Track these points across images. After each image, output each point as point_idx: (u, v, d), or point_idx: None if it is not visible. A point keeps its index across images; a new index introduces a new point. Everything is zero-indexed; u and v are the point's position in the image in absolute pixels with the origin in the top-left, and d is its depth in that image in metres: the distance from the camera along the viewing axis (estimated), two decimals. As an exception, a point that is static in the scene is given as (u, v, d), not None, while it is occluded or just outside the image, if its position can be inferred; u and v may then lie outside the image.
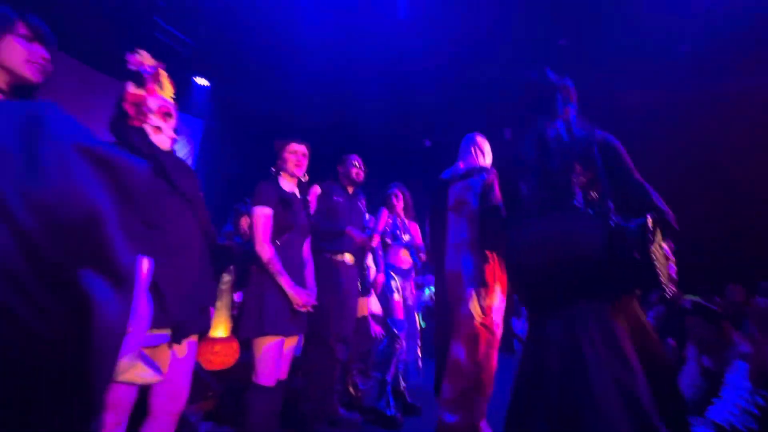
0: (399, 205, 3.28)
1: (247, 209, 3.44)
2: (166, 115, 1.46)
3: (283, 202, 1.99)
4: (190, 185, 1.49)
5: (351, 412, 2.69)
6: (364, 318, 3.19)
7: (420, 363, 3.28)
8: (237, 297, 1.82)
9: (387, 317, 2.83)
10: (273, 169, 2.12)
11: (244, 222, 3.58)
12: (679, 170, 4.99)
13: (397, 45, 4.78)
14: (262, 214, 1.93)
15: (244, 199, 3.51)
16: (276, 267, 1.88)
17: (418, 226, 3.39)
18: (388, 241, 3.18)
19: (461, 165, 2.32)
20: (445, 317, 2.13)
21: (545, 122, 1.56)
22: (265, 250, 1.89)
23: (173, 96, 1.53)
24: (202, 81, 4.94)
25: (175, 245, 1.38)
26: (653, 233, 1.20)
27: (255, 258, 1.90)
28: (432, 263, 2.53)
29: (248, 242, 2.24)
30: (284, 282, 1.88)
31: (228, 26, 4.52)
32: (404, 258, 3.24)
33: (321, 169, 2.55)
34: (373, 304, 3.39)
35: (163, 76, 1.50)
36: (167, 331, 1.36)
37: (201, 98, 4.99)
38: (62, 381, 0.71)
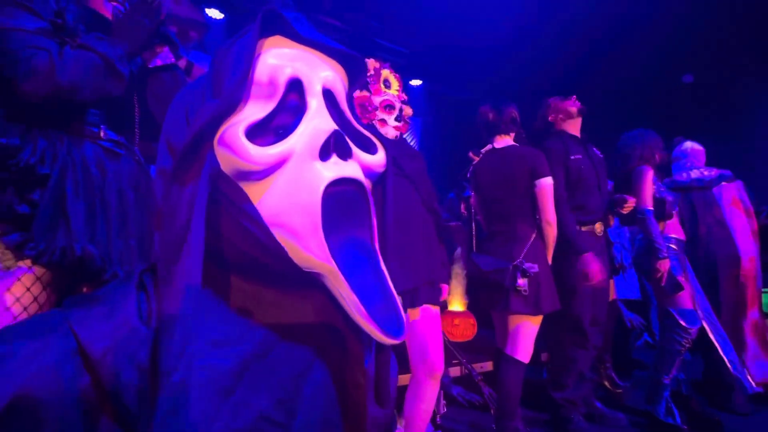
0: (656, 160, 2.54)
1: (462, 196, 3.49)
2: (388, 108, 1.59)
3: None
4: (414, 168, 1.60)
5: (613, 410, 2.30)
6: (614, 302, 2.70)
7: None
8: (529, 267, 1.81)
9: (669, 306, 2.22)
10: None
11: (463, 207, 3.65)
12: None
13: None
14: (551, 184, 1.90)
15: (462, 184, 3.56)
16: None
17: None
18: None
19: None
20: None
21: None
22: (556, 222, 1.88)
23: (398, 88, 1.66)
24: (415, 82, 5.42)
25: (402, 221, 1.46)
26: None
27: (541, 231, 1.90)
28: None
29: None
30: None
31: (435, 31, 4.77)
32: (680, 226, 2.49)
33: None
34: (621, 288, 2.84)
35: (387, 74, 1.64)
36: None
37: (416, 98, 5.44)
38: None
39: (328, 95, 0.49)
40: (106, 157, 1.06)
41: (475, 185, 2.11)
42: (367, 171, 0.50)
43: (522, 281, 1.79)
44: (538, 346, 1.96)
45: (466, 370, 2.47)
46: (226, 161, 0.43)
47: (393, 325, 0.43)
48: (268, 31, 0.48)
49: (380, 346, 0.53)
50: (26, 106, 0.95)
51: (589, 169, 2.18)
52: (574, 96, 2.25)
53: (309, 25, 0.51)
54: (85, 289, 1.05)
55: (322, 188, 0.43)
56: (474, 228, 2.51)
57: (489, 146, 2.04)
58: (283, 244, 0.43)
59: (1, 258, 0.90)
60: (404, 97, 1.67)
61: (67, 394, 0.35)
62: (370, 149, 0.52)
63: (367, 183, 0.48)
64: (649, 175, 2.26)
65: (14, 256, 0.90)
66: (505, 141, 2.00)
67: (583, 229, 2.13)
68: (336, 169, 0.44)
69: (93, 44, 0.99)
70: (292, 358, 0.45)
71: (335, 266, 0.42)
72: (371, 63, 1.62)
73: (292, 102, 0.47)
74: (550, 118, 2.28)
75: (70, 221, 0.94)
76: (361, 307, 0.42)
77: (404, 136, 1.75)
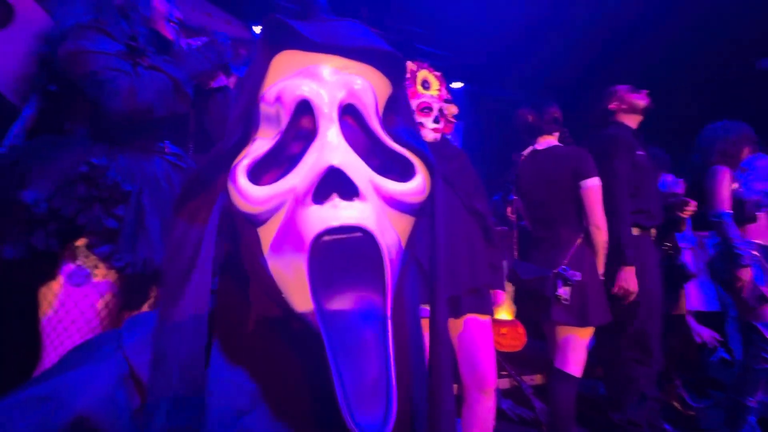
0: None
1: (507, 199, 3.35)
2: (425, 110, 1.52)
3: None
4: (452, 168, 1.52)
5: (683, 433, 2.07)
6: (682, 317, 2.44)
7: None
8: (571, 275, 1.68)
9: (753, 320, 1.97)
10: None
11: (509, 211, 3.52)
12: None
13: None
14: (599, 185, 1.75)
15: (508, 186, 3.44)
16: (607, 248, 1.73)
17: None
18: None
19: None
20: None
21: None
22: (606, 226, 1.73)
23: (439, 88, 1.57)
24: (456, 84, 5.32)
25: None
26: None
27: (589, 237, 1.76)
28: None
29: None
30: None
31: (476, 32, 4.68)
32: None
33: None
34: (693, 299, 2.56)
35: (426, 74, 1.57)
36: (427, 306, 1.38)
37: (458, 100, 5.34)
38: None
39: (351, 111, 0.41)
40: (172, 170, 1.14)
41: (518, 189, 2.00)
42: (397, 204, 0.41)
43: (563, 290, 1.66)
44: (593, 358, 1.81)
45: (516, 383, 2.34)
46: (232, 199, 0.40)
47: (372, 418, 0.33)
48: (279, 44, 0.42)
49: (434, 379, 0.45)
50: (108, 126, 1.03)
51: (650, 169, 2.01)
52: (646, 91, 2.06)
53: (331, 25, 0.43)
54: (152, 294, 1.13)
55: (309, 239, 0.35)
56: (517, 233, 2.38)
57: (530, 148, 1.93)
58: (282, 293, 0.38)
59: (94, 268, 0.98)
60: (446, 96, 1.59)
61: (122, 416, 0.37)
62: (407, 173, 0.42)
63: (378, 228, 0.37)
64: (725, 174, 2.03)
65: (104, 266, 0.98)
66: (548, 142, 1.88)
67: (642, 233, 1.96)
68: (332, 213, 0.36)
69: (163, 66, 1.07)
70: (285, 411, 0.40)
71: (322, 330, 0.35)
72: (408, 65, 1.58)
73: (304, 127, 0.40)
74: (610, 107, 2.08)
75: (150, 234, 1.01)
76: (339, 386, 0.33)
77: (447, 136, 1.66)
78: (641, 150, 1.98)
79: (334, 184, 0.37)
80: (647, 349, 1.92)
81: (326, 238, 0.36)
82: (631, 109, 2.05)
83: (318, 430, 0.40)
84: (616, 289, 1.80)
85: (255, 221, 0.39)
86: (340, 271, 0.37)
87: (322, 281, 0.36)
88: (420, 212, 0.44)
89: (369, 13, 4.01)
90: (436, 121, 1.53)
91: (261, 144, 0.41)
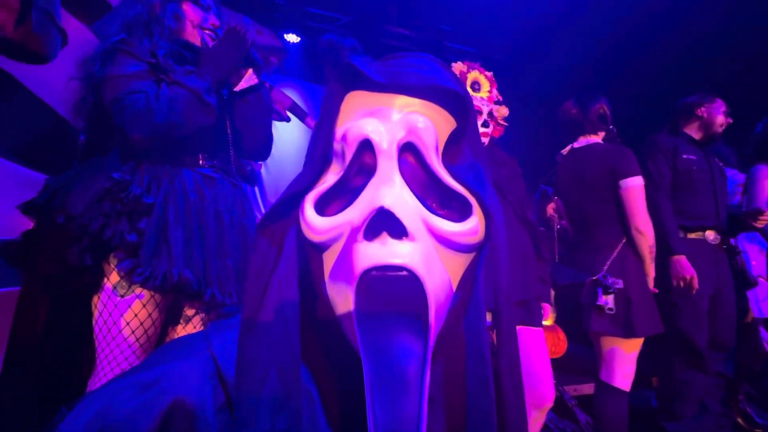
0: None
1: (549, 195, 3.21)
2: None
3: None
4: (503, 175, 1.46)
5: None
6: (748, 325, 2.23)
7: None
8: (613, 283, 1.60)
9: None
10: None
11: (550, 208, 3.37)
12: None
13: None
14: (640, 185, 1.64)
15: (549, 179, 3.32)
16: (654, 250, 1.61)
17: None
18: None
19: None
20: None
21: None
22: (651, 230, 1.62)
23: (489, 89, 1.53)
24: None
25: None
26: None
27: (631, 241, 1.64)
28: None
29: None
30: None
31: (507, 29, 4.56)
32: None
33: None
34: (764, 305, 2.33)
35: (477, 75, 1.53)
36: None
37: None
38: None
39: (411, 149, 0.43)
40: (203, 182, 1.14)
41: (556, 189, 1.91)
42: (450, 243, 0.42)
43: (605, 298, 1.54)
44: (644, 367, 1.69)
45: (558, 393, 2.23)
46: (301, 227, 0.44)
47: None
48: (349, 86, 0.45)
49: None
50: (135, 144, 1.06)
51: (703, 172, 1.90)
52: (723, 108, 1.99)
53: (398, 63, 0.46)
54: (185, 309, 1.12)
55: (357, 273, 0.37)
56: (557, 235, 2.28)
57: (569, 146, 1.83)
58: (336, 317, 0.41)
59: (118, 285, 1.00)
60: (497, 97, 1.53)
61: (208, 410, 0.40)
62: (464, 212, 0.43)
63: (425, 268, 0.39)
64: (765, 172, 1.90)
65: (127, 282, 1.00)
66: (588, 140, 1.78)
67: (690, 236, 1.86)
68: (380, 251, 0.38)
69: (183, 80, 1.07)
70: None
71: (363, 361, 0.37)
72: (457, 67, 1.53)
73: (366, 163, 0.43)
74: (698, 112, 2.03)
75: (171, 247, 1.02)
76: (371, 417, 0.35)
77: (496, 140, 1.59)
78: (691, 154, 1.91)
79: (386, 223, 0.38)
80: (699, 354, 1.78)
81: (374, 273, 0.38)
82: (706, 124, 2.00)
83: None
84: (675, 282, 1.73)
85: (319, 248, 0.43)
86: (387, 306, 0.39)
87: (368, 314, 0.38)
88: (477, 251, 0.45)
89: (398, 16, 3.99)
90: (484, 125, 1.47)
91: (329, 178, 0.44)
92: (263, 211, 3.63)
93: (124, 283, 1.00)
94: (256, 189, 3.58)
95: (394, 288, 0.38)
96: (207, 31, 1.20)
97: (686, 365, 1.81)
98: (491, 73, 1.55)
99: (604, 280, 1.56)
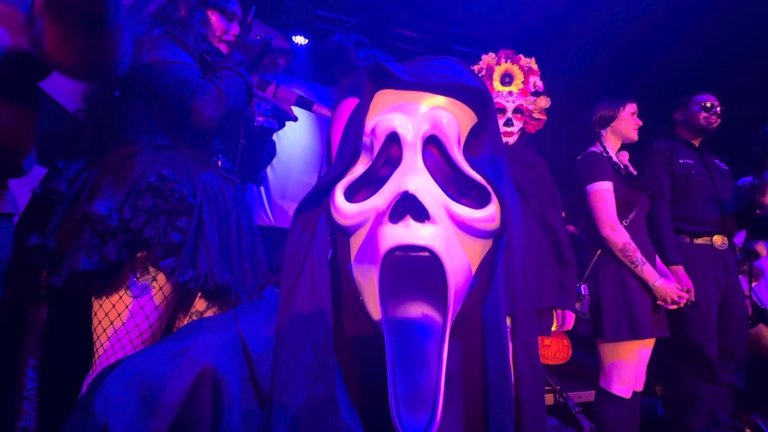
0: None
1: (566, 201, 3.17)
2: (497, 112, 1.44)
3: (618, 173, 1.68)
4: (527, 177, 1.43)
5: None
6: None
7: None
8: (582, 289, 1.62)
9: None
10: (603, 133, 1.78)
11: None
12: None
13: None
14: (604, 189, 1.63)
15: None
16: (634, 255, 1.58)
17: None
18: None
19: None
20: None
21: None
22: (618, 234, 1.60)
23: (524, 81, 1.45)
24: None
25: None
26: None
27: (601, 245, 1.65)
28: None
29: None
30: (647, 273, 1.58)
31: (517, 32, 4.54)
32: None
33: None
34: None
35: (508, 66, 1.45)
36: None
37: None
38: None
39: (435, 142, 0.46)
40: (225, 184, 1.13)
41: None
42: (470, 229, 0.45)
43: (577, 305, 1.58)
44: (648, 375, 1.67)
45: (562, 399, 2.19)
46: (331, 212, 0.48)
47: (418, 423, 0.37)
48: (378, 85, 0.49)
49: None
50: (175, 138, 1.05)
51: (702, 176, 1.87)
52: (715, 109, 1.93)
53: (425, 64, 0.50)
54: (196, 304, 1.10)
55: (382, 252, 0.41)
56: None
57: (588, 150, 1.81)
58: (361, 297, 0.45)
59: (152, 281, 0.98)
60: (535, 87, 1.45)
61: (233, 381, 0.43)
62: (483, 200, 0.46)
63: (445, 250, 0.41)
64: None
65: (164, 279, 0.98)
66: (591, 149, 1.77)
67: (697, 241, 1.83)
68: (404, 233, 0.41)
69: (240, 70, 1.09)
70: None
71: (385, 336, 0.40)
72: (485, 60, 1.46)
73: (393, 155, 0.46)
74: (675, 116, 2.02)
75: (210, 248, 1.01)
76: (392, 389, 0.38)
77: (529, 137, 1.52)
78: (689, 158, 1.88)
79: (409, 206, 0.41)
80: (709, 365, 1.73)
81: (398, 253, 0.41)
82: (687, 124, 1.97)
83: (374, 426, 0.44)
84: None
85: (346, 232, 0.47)
86: (409, 285, 0.43)
87: (391, 292, 0.42)
88: (495, 239, 0.48)
89: (406, 19, 3.99)
90: (507, 123, 1.41)
91: (358, 168, 0.49)
92: (268, 211, 3.65)
93: (155, 282, 0.98)
94: (262, 189, 3.61)
95: (416, 268, 0.41)
96: (231, 39, 1.21)
97: (697, 377, 1.77)
98: (531, 59, 1.45)
99: (579, 288, 1.60)
